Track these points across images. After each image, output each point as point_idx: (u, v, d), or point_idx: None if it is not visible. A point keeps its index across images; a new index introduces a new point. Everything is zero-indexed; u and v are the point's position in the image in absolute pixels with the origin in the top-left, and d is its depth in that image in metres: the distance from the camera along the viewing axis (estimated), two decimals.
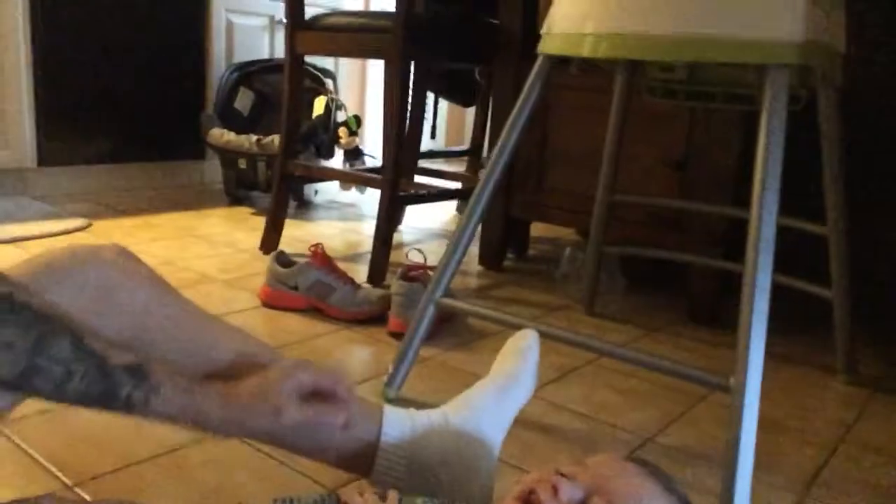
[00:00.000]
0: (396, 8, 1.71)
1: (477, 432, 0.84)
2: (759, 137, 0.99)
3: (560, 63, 1.18)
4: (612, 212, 1.63)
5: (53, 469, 0.90)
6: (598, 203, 1.62)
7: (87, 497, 0.86)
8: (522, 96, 1.20)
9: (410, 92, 2.00)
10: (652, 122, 1.69)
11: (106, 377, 0.64)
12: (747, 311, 0.94)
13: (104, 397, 0.64)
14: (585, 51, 1.12)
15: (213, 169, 2.94)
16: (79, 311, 0.67)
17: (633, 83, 1.53)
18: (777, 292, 0.96)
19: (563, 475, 0.64)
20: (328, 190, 3.04)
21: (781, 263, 0.99)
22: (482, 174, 1.22)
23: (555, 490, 0.62)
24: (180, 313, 0.78)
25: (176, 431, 0.98)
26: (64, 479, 0.88)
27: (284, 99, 1.99)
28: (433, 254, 1.65)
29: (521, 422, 0.93)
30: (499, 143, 1.21)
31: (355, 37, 1.83)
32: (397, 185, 1.80)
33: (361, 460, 0.81)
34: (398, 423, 0.82)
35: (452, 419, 0.84)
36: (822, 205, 1.37)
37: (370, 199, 3.00)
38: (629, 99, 1.55)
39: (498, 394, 0.88)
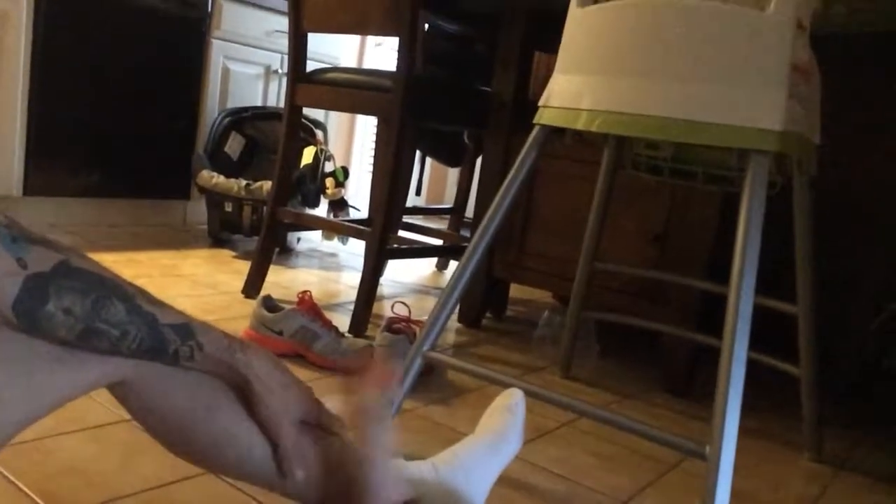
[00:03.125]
0: (397, 69, 1.78)
1: (464, 486, 0.86)
2: (740, 219, 1.05)
3: (554, 133, 1.25)
4: (592, 279, 1.69)
5: (40, 501, 0.90)
6: (580, 270, 1.68)
7: None
8: (518, 162, 1.26)
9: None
10: (635, 195, 1.76)
11: (156, 335, 0.70)
12: (724, 383, 0.98)
13: (154, 352, 0.70)
14: (580, 124, 1.18)
15: (196, 209, 2.96)
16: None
17: (619, 157, 1.61)
18: (746, 367, 1.01)
19: None
20: (310, 238, 3.07)
21: (749, 339, 1.04)
22: (473, 233, 1.27)
23: None
24: None
25: (162, 468, 1.00)
26: None
27: (280, 148, 2.03)
28: (414, 308, 1.68)
29: (502, 480, 0.95)
30: (493, 205, 1.26)
31: (355, 93, 1.90)
32: (385, 238, 1.84)
33: None
34: None
35: (441, 471, 0.86)
36: (787, 283, 1.43)
37: (351, 249, 3.04)
38: (615, 172, 1.63)
39: (486, 450, 0.91)
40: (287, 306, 1.62)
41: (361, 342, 1.60)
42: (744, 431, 0.98)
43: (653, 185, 1.73)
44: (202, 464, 0.84)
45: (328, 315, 1.66)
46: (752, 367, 1.00)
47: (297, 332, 1.58)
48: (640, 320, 1.73)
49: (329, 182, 2.83)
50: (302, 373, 1.52)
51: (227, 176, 2.67)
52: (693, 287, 1.68)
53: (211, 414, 0.77)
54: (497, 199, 1.26)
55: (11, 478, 0.94)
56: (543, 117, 1.25)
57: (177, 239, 2.73)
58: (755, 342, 1.02)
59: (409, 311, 1.64)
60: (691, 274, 1.67)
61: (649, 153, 1.49)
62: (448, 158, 2.90)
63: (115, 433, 1.11)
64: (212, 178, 2.65)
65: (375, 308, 1.94)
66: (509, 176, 1.26)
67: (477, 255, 1.25)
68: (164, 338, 0.71)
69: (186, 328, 0.73)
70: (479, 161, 2.35)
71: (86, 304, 0.67)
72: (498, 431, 0.93)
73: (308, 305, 1.61)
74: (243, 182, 2.62)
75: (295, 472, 0.77)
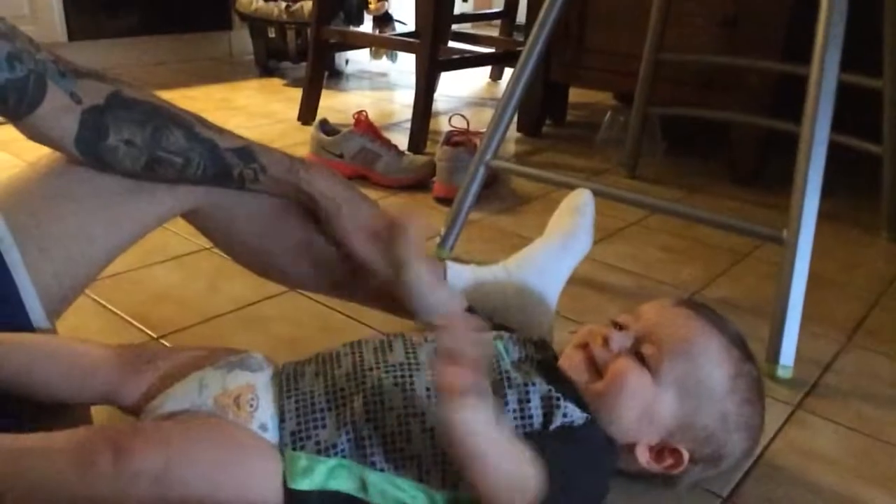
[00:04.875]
0: None
1: (537, 285, 0.87)
2: None
3: None
4: (657, 71, 1.60)
5: (138, 324, 0.96)
6: (644, 62, 1.58)
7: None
8: None
9: None
10: None
11: (219, 160, 0.71)
12: (804, 164, 0.94)
13: (220, 177, 0.72)
14: None
15: (241, 39, 2.88)
16: None
17: None
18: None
19: (616, 324, 0.67)
20: (359, 59, 2.99)
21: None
22: (527, 35, 1.19)
23: (606, 341, 0.64)
24: None
25: (247, 289, 1.05)
26: (149, 332, 0.95)
27: None
28: (472, 120, 1.64)
29: (573, 279, 0.96)
30: (547, 1, 1.17)
31: None
32: (436, 50, 1.76)
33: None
34: (462, 276, 0.86)
35: (514, 273, 0.87)
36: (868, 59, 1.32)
37: (401, 67, 2.95)
38: None
39: (556, 250, 0.91)
40: (344, 129, 1.61)
41: (422, 158, 1.59)
42: (819, 215, 0.95)
43: None
44: (282, 281, 0.87)
45: (386, 135, 1.64)
46: (829, 150, 0.95)
47: (358, 153, 1.57)
48: (709, 111, 1.65)
49: None
50: (366, 193, 1.53)
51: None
52: (767, 71, 1.57)
53: (283, 233, 0.79)
54: None
55: (109, 306, 1.00)
56: None
57: (226, 71, 2.70)
58: (832, 124, 0.96)
59: (468, 124, 1.60)
60: (765, 57, 1.56)
61: None
62: None
63: (198, 261, 1.16)
64: (251, 2, 2.55)
65: (432, 124, 1.91)
66: None
67: (533, 59, 1.19)
68: (227, 162, 0.71)
69: (247, 151, 0.73)
70: None
71: (145, 134, 0.67)
72: (567, 231, 0.93)
73: (365, 126, 1.59)
74: (283, 4, 2.51)
75: (369, 279, 0.79)
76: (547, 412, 0.58)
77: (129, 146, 0.66)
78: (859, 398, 0.90)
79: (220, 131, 0.72)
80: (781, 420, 0.85)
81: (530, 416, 0.58)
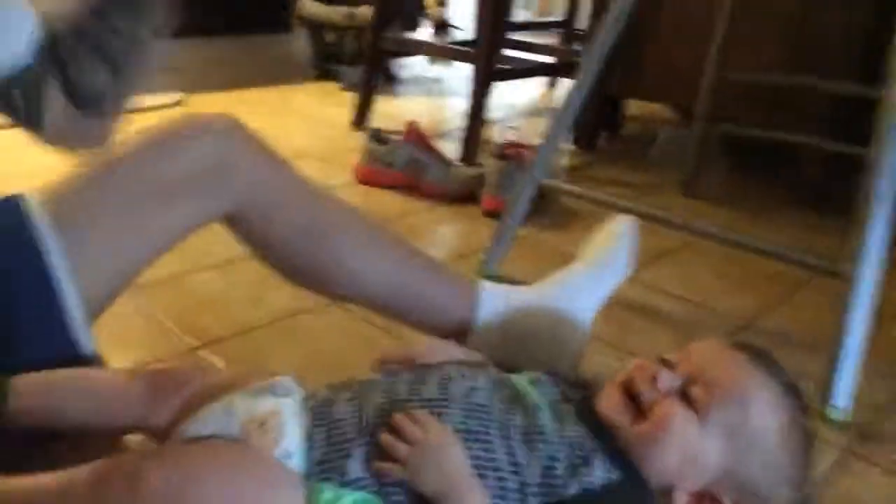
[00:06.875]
0: None
1: (568, 310, 0.85)
2: None
3: None
4: (720, 88, 1.55)
5: (179, 332, 0.97)
6: (706, 78, 1.54)
7: (213, 357, 0.93)
8: None
9: None
10: None
11: None
12: (869, 194, 0.89)
13: None
14: None
15: (298, 42, 2.92)
16: (193, 182, 0.71)
17: None
18: None
19: (664, 362, 0.64)
20: (414, 64, 2.99)
21: None
22: (587, 46, 1.17)
23: (653, 379, 0.62)
24: (294, 185, 0.80)
25: (289, 300, 1.05)
26: (190, 341, 0.96)
27: None
28: (526, 130, 1.62)
29: (619, 303, 0.93)
30: (609, 11, 1.14)
31: None
32: (492, 59, 1.74)
33: (459, 334, 0.83)
34: (493, 300, 0.84)
35: (546, 296, 0.85)
36: None
37: (457, 73, 2.94)
38: None
39: (589, 275, 0.88)
40: (396, 137, 1.61)
41: (472, 170, 1.58)
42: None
43: None
44: (320, 290, 0.86)
45: (437, 144, 1.63)
46: None
47: (408, 163, 1.56)
48: (773, 131, 1.59)
49: (429, 2, 2.69)
50: (414, 203, 1.53)
51: (328, 3, 2.58)
52: (836, 92, 1.50)
53: (320, 241, 0.78)
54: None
55: (153, 312, 1.01)
56: None
57: (282, 73, 2.72)
58: None
59: (521, 136, 1.58)
60: (837, 75, 1.49)
61: None
62: None
63: (242, 268, 1.16)
64: (312, 6, 2.57)
65: (485, 133, 1.89)
66: None
67: (592, 71, 1.16)
68: None
69: None
70: None
71: None
72: (601, 257, 0.89)
73: (416, 136, 1.58)
74: (345, 9, 2.53)
75: None
76: (573, 474, 0.56)
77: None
78: None
79: None
80: (830, 464, 0.80)
81: (558, 478, 0.56)
